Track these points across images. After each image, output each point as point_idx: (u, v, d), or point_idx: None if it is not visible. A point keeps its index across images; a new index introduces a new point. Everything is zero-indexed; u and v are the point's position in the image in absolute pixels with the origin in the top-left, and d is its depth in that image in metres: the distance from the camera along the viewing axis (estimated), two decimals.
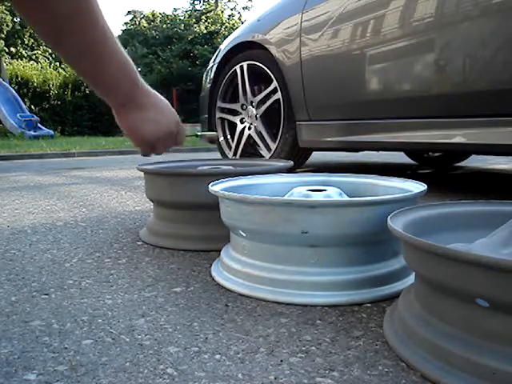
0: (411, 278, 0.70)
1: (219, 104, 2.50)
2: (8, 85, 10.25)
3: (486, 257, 0.43)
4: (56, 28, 0.60)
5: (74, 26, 0.60)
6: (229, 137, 2.52)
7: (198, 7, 20.79)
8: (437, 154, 2.88)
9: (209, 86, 2.59)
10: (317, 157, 3.33)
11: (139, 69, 16.73)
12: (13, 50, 18.59)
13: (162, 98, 0.81)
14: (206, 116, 2.61)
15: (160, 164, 1.26)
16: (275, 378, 0.50)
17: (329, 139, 1.94)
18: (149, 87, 0.78)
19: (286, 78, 2.07)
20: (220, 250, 0.89)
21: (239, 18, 20.98)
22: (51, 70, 13.27)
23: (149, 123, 0.78)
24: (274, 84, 2.15)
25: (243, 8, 27.44)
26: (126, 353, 0.56)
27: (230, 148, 2.49)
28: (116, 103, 0.75)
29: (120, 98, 0.74)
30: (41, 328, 0.63)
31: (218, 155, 2.60)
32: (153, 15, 21.93)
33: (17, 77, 11.73)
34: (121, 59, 0.69)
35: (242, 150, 2.39)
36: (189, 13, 20.33)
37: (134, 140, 0.81)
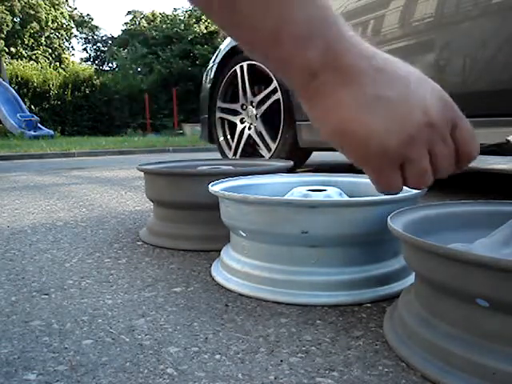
0: (411, 278, 0.70)
1: (219, 104, 2.50)
2: (8, 85, 10.24)
3: (486, 257, 0.43)
4: None
5: None
6: (229, 137, 2.52)
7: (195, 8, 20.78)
8: None
9: (209, 86, 2.59)
10: (317, 157, 3.33)
11: (139, 69, 16.75)
12: (13, 49, 18.60)
13: (403, 62, 0.39)
14: (206, 116, 2.61)
15: (160, 164, 1.26)
16: (275, 378, 0.50)
17: None
18: (369, 46, 0.38)
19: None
20: (220, 250, 0.89)
21: None
22: (51, 70, 13.29)
23: (378, 109, 0.36)
24: (274, 84, 2.15)
25: None
26: (125, 353, 0.56)
27: (230, 148, 2.49)
28: (298, 71, 0.36)
29: (309, 58, 0.35)
30: (41, 328, 0.63)
31: (218, 155, 2.60)
32: (153, 15, 21.94)
33: (17, 77, 11.74)
34: None
35: (242, 149, 2.39)
36: (189, 13, 20.33)
37: (350, 153, 0.38)
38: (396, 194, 0.41)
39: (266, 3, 0.34)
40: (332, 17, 0.35)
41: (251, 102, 2.32)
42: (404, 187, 0.40)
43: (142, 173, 1.15)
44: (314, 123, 0.39)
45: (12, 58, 16.87)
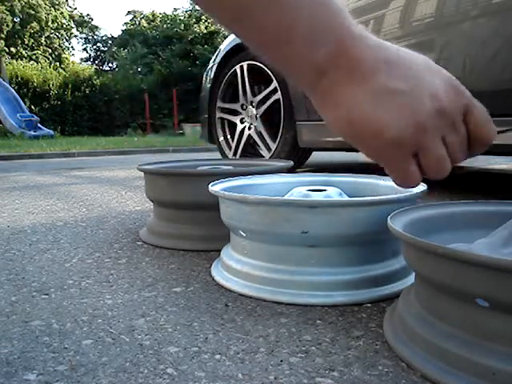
0: (411, 278, 0.70)
1: (219, 104, 2.50)
2: (8, 85, 10.24)
3: (485, 257, 0.43)
4: None
5: None
6: (229, 137, 2.52)
7: (198, 7, 20.77)
8: None
9: (209, 86, 2.59)
10: (317, 157, 3.33)
11: (139, 69, 16.75)
12: (13, 49, 18.60)
13: (403, 48, 0.38)
14: (206, 116, 2.61)
15: (160, 164, 1.26)
16: (275, 378, 0.50)
17: (329, 139, 1.94)
18: (369, 33, 0.37)
19: (286, 78, 2.07)
20: (220, 250, 0.89)
21: None
22: (51, 69, 13.28)
23: (389, 102, 0.36)
24: (274, 84, 2.15)
25: None
26: (125, 353, 0.56)
27: (230, 148, 2.49)
28: (309, 69, 0.36)
29: (319, 56, 0.35)
30: (41, 328, 0.63)
31: (217, 155, 2.60)
32: (153, 15, 21.94)
33: (17, 77, 11.74)
34: None
35: (242, 149, 2.39)
36: (189, 13, 20.33)
37: (365, 147, 0.39)
38: (415, 186, 0.40)
39: (279, 4, 0.34)
40: (340, 12, 0.36)
41: (251, 102, 2.32)
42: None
43: (142, 173, 1.15)
44: (325, 120, 0.39)
45: (12, 58, 16.86)
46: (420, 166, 0.38)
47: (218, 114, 2.52)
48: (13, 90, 10.10)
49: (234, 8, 0.35)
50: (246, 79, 2.31)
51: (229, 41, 2.51)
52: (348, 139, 0.38)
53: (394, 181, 0.40)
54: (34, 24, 20.21)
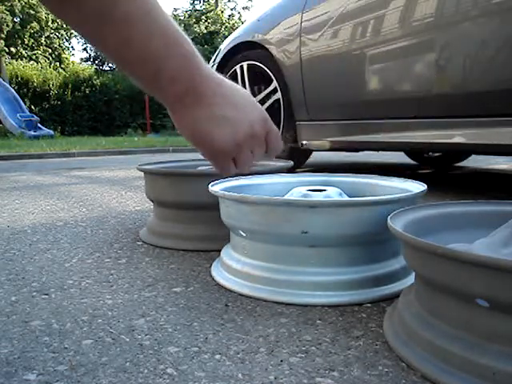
0: (411, 278, 0.70)
1: None
2: (8, 85, 10.24)
3: (485, 257, 0.43)
4: None
5: None
6: None
7: (198, 7, 20.78)
8: (437, 154, 2.88)
9: None
10: (317, 157, 3.33)
11: None
12: (13, 49, 18.60)
13: (238, 86, 0.56)
14: None
15: (160, 164, 1.26)
16: (275, 378, 0.50)
17: (329, 139, 1.94)
18: (217, 74, 0.53)
19: (286, 78, 2.07)
20: (220, 250, 0.89)
21: (239, 18, 20.98)
22: (51, 69, 13.27)
23: (221, 123, 0.52)
24: (274, 84, 2.15)
25: (243, 8, 27.40)
26: (125, 353, 0.56)
27: None
28: (170, 96, 0.51)
29: (177, 89, 0.50)
30: (41, 328, 0.63)
31: None
32: None
33: (17, 77, 11.73)
34: (166, 30, 0.48)
35: None
36: (189, 13, 20.32)
37: (202, 150, 0.55)
38: (231, 175, 0.59)
39: (148, 60, 0.47)
40: (192, 59, 0.50)
41: None
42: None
43: (142, 173, 1.15)
44: (179, 130, 0.54)
45: (12, 58, 16.85)
46: (235, 164, 0.57)
47: None
48: (13, 90, 10.10)
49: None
50: (246, 79, 2.31)
51: (229, 41, 2.51)
52: (192, 143, 0.54)
53: (216, 169, 0.58)
54: (34, 24, 20.21)
